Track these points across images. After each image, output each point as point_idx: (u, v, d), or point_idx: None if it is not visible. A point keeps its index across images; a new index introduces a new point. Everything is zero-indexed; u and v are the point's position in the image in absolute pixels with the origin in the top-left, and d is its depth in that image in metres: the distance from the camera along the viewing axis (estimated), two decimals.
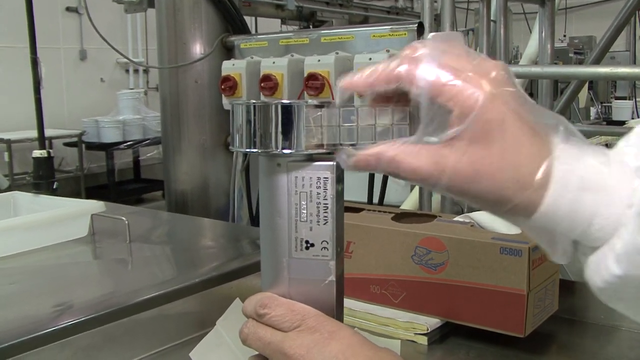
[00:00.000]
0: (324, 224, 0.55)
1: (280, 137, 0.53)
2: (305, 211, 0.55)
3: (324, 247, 0.55)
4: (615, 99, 7.72)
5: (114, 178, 6.02)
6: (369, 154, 0.51)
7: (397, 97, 0.52)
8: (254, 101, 0.55)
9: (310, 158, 0.54)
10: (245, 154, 1.88)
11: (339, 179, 0.56)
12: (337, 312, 0.57)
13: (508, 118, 0.48)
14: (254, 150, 0.54)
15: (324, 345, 0.53)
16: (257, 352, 0.59)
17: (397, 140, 0.50)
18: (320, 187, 0.54)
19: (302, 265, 0.56)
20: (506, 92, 0.48)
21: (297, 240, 0.55)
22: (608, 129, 3.64)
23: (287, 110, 0.52)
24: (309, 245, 0.55)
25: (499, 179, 0.48)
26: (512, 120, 0.48)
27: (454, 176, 0.48)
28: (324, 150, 0.54)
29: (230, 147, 0.57)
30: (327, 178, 0.54)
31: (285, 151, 0.53)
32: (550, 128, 0.49)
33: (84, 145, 5.92)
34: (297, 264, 0.56)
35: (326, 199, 0.54)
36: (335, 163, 0.54)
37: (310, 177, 0.54)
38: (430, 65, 0.48)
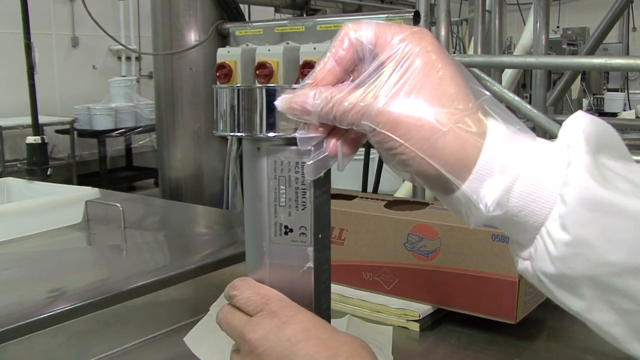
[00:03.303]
0: (302, 209, 0.54)
1: (263, 120, 0.52)
2: (284, 196, 0.54)
3: (303, 233, 0.54)
4: (608, 91, 7.74)
5: (106, 165, 5.99)
6: (305, 91, 0.50)
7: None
8: (238, 85, 0.55)
9: (293, 143, 0.53)
10: (240, 142, 1.87)
11: None
12: (321, 301, 0.56)
13: (440, 58, 0.47)
14: (238, 133, 0.54)
15: (280, 330, 0.52)
16: None
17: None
18: (298, 171, 0.53)
19: (281, 251, 0.55)
20: (437, 45, 0.48)
21: (276, 225, 0.55)
22: None
23: (269, 94, 0.52)
24: (287, 230, 0.54)
25: (434, 101, 0.46)
26: (444, 60, 0.47)
27: (385, 102, 0.46)
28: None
29: (214, 132, 0.56)
30: (304, 163, 0.53)
31: (268, 134, 0.53)
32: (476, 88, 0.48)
33: (75, 133, 5.88)
34: (277, 249, 0.55)
35: (304, 184, 0.54)
36: (313, 148, 0.53)
37: (289, 162, 0.53)
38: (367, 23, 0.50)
